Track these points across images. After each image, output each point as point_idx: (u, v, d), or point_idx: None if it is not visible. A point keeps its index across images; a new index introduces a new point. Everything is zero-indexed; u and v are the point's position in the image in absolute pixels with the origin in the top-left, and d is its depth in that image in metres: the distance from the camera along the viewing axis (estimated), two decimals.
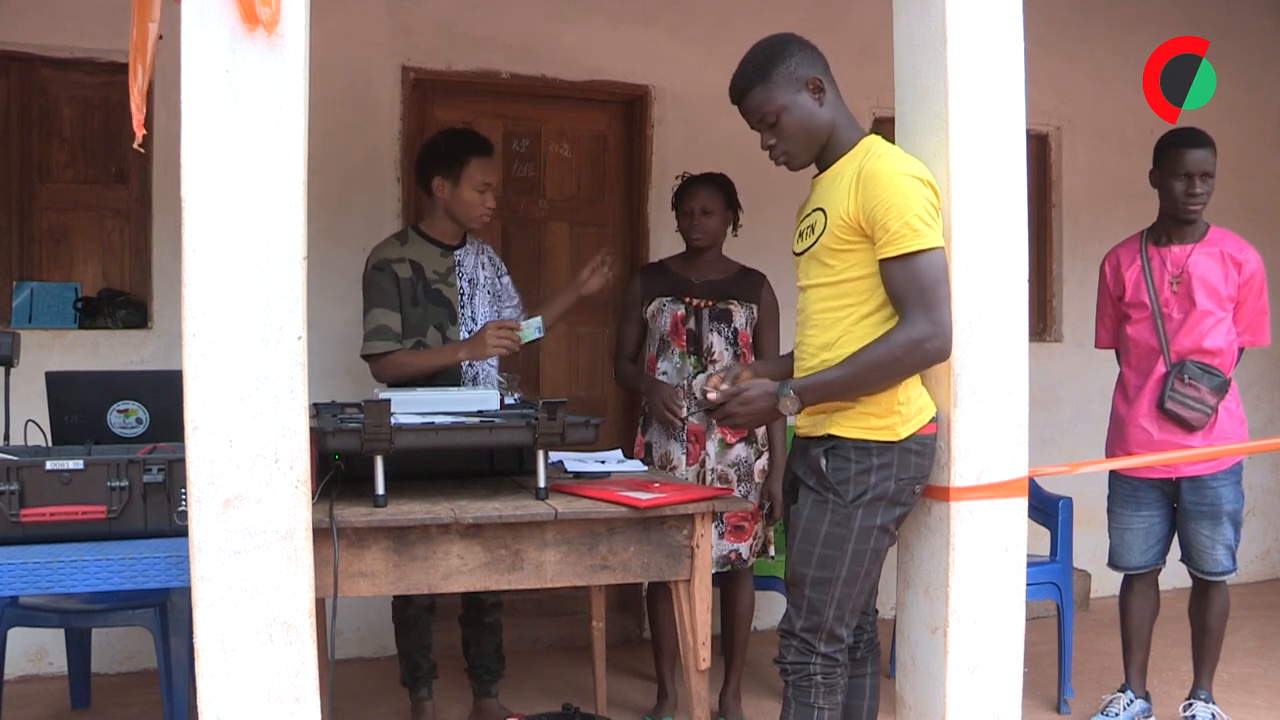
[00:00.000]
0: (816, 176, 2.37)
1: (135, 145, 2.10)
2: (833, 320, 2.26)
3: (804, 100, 2.25)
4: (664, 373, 3.41)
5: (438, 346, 3.15)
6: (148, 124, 3.81)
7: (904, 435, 2.23)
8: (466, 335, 3.22)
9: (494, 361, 3.29)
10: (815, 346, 2.29)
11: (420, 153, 3.29)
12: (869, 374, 2.18)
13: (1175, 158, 3.29)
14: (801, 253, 2.35)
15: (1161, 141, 3.35)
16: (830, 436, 2.27)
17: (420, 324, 3.17)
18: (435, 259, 3.23)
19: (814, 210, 2.32)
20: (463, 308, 3.25)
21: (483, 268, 3.35)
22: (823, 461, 2.25)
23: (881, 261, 2.18)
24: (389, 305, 3.14)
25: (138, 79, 2.13)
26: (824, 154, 2.31)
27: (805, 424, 2.35)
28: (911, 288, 2.15)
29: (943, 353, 2.20)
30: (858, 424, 2.24)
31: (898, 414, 2.22)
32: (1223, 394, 3.25)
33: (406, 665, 3.31)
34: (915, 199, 2.16)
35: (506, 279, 3.45)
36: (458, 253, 3.28)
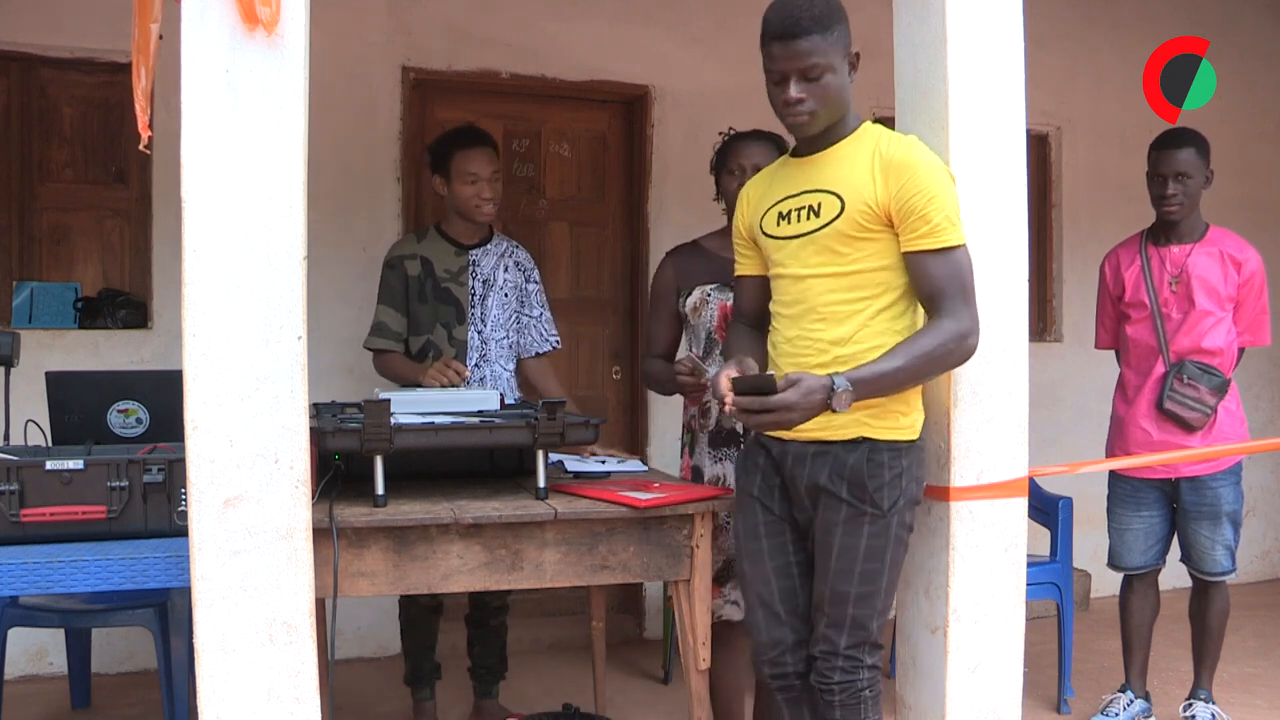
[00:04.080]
0: (799, 156, 2.22)
1: (141, 147, 2.09)
2: (846, 314, 2.12)
3: (845, 69, 2.13)
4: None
5: (413, 364, 3.18)
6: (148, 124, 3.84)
7: (920, 432, 2.20)
8: (476, 335, 3.23)
9: (507, 365, 3.29)
10: (825, 341, 2.13)
11: (428, 158, 3.32)
12: (924, 367, 2.07)
13: (1153, 159, 3.32)
14: (795, 236, 2.17)
15: (1151, 143, 3.36)
16: (864, 439, 2.13)
17: (428, 322, 3.19)
18: (448, 257, 3.23)
19: (811, 191, 2.16)
20: (473, 308, 3.23)
21: (505, 270, 3.31)
22: (866, 469, 2.12)
23: (917, 253, 2.08)
24: (392, 303, 3.20)
25: (141, 80, 2.13)
26: (825, 132, 2.17)
27: (820, 425, 2.08)
28: (954, 282, 2.08)
29: (976, 350, 2.15)
30: (888, 423, 2.14)
31: (917, 410, 2.19)
32: (1222, 394, 3.25)
33: (410, 665, 3.31)
34: (952, 193, 2.11)
35: (534, 286, 3.39)
36: (474, 252, 3.27)
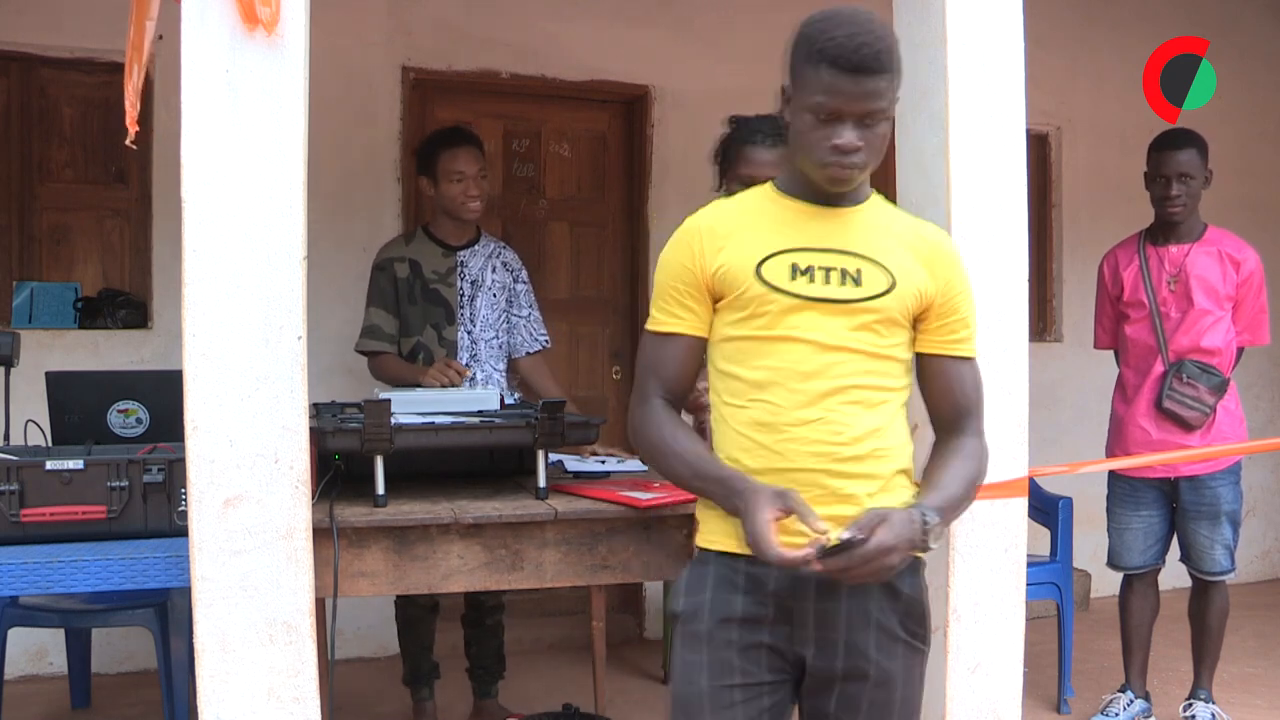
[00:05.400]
0: (810, 203, 1.75)
1: (128, 142, 2.09)
2: (878, 400, 1.72)
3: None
4: None
5: (413, 365, 3.18)
6: (148, 124, 3.85)
7: None
8: (465, 335, 3.23)
9: (498, 365, 3.29)
10: (864, 429, 1.69)
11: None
12: (972, 498, 1.79)
13: (1154, 161, 3.32)
14: (824, 300, 1.70)
15: (1150, 144, 3.36)
16: (913, 557, 1.71)
17: (417, 323, 3.21)
18: (436, 259, 3.24)
19: (846, 253, 1.72)
20: (462, 308, 3.24)
21: (493, 270, 3.32)
22: (921, 595, 1.76)
23: (953, 359, 1.79)
24: (384, 305, 3.22)
25: (133, 77, 2.13)
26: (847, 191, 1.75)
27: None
28: (979, 396, 1.83)
29: None
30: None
31: None
32: (1221, 393, 3.25)
33: (409, 665, 3.32)
34: None
35: (522, 286, 3.39)
36: (462, 253, 3.28)
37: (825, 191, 1.72)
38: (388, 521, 2.22)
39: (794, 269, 1.71)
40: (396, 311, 3.22)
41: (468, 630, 3.40)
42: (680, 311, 1.77)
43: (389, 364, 3.21)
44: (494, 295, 3.31)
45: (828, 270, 1.72)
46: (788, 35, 1.73)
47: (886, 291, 1.72)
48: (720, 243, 1.74)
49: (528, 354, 3.38)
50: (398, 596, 3.24)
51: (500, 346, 3.32)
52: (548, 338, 3.43)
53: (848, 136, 1.64)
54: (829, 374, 1.69)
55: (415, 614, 3.25)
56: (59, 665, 3.71)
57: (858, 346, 1.71)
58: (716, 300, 1.75)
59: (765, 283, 1.70)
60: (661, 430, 1.76)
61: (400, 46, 4.15)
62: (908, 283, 1.73)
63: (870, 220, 1.76)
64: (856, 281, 1.71)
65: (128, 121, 2.07)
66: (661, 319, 1.78)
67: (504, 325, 3.34)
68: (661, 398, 1.79)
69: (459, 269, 3.26)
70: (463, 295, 3.25)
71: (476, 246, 3.31)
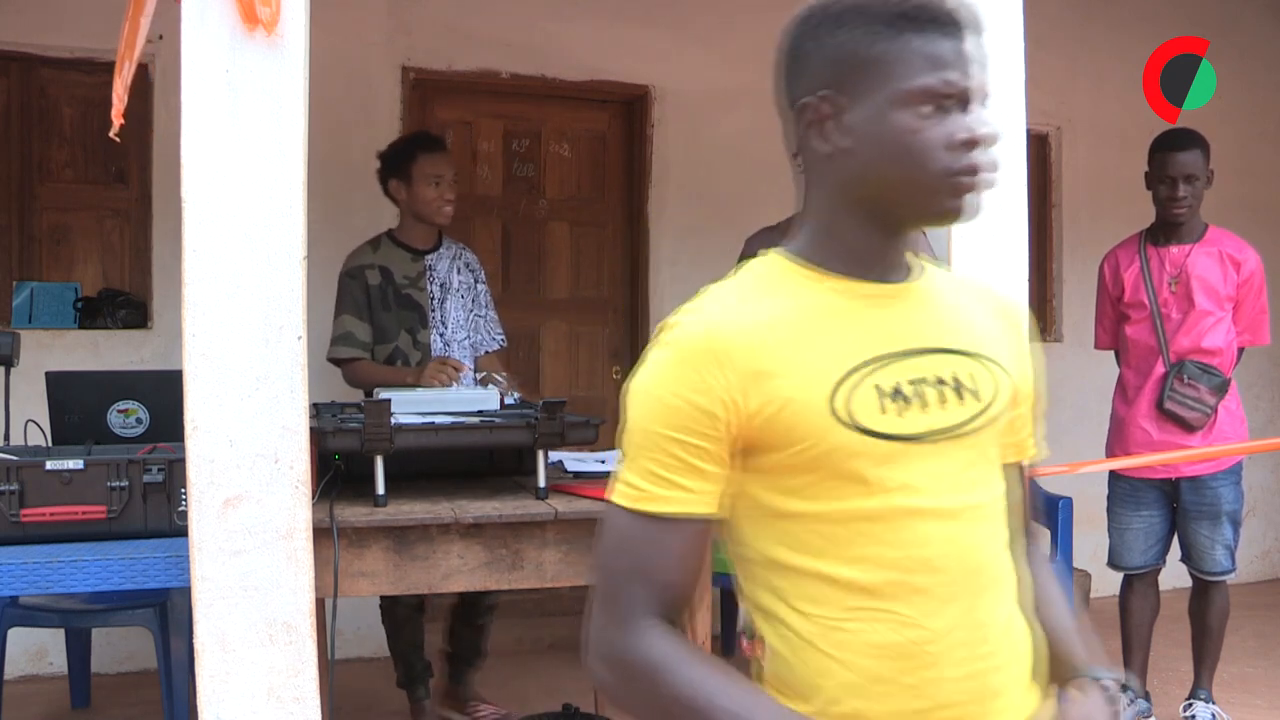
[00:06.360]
0: (856, 278, 1.14)
1: (112, 134, 2.09)
2: (1007, 559, 1.22)
3: None
4: None
5: (398, 368, 3.19)
6: (148, 124, 3.85)
7: None
8: (439, 338, 3.26)
9: (470, 366, 3.30)
10: (1007, 606, 1.20)
11: (378, 165, 3.30)
12: None
13: (1158, 161, 3.30)
14: (932, 436, 1.10)
15: (1152, 144, 3.36)
16: None
17: (392, 329, 3.22)
18: (405, 264, 3.26)
19: (944, 352, 1.14)
20: (434, 312, 3.27)
21: (458, 272, 3.35)
22: None
23: (1024, 461, 1.34)
24: (356, 313, 3.21)
25: (123, 73, 2.13)
26: (895, 249, 1.18)
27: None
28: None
29: None
30: None
31: None
32: (1222, 394, 3.25)
33: (401, 666, 3.32)
34: None
35: (483, 287, 3.43)
36: (430, 257, 3.30)
37: (859, 253, 1.13)
38: (388, 521, 2.22)
39: (879, 395, 1.09)
40: (370, 318, 3.22)
41: (455, 622, 3.40)
42: (687, 479, 1.08)
43: (367, 370, 3.20)
44: (461, 297, 3.34)
45: (922, 385, 1.11)
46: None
47: (1007, 398, 1.18)
48: (760, 365, 1.07)
49: (485, 353, 3.42)
50: (382, 599, 3.24)
51: (470, 347, 3.37)
52: (504, 337, 3.48)
53: (974, 119, 1.12)
54: (964, 554, 1.11)
55: (403, 614, 3.26)
56: (59, 665, 3.70)
57: (986, 498, 1.16)
58: (748, 454, 1.09)
59: (864, 430, 1.07)
60: (687, 673, 1.06)
61: (400, 46, 4.15)
62: (1023, 374, 1.23)
63: (942, 290, 1.21)
64: (975, 394, 1.14)
65: (113, 114, 2.07)
66: (655, 492, 1.08)
67: (471, 325, 3.37)
68: (658, 619, 1.08)
69: (428, 273, 3.29)
70: (433, 299, 3.28)
71: (441, 250, 3.35)
